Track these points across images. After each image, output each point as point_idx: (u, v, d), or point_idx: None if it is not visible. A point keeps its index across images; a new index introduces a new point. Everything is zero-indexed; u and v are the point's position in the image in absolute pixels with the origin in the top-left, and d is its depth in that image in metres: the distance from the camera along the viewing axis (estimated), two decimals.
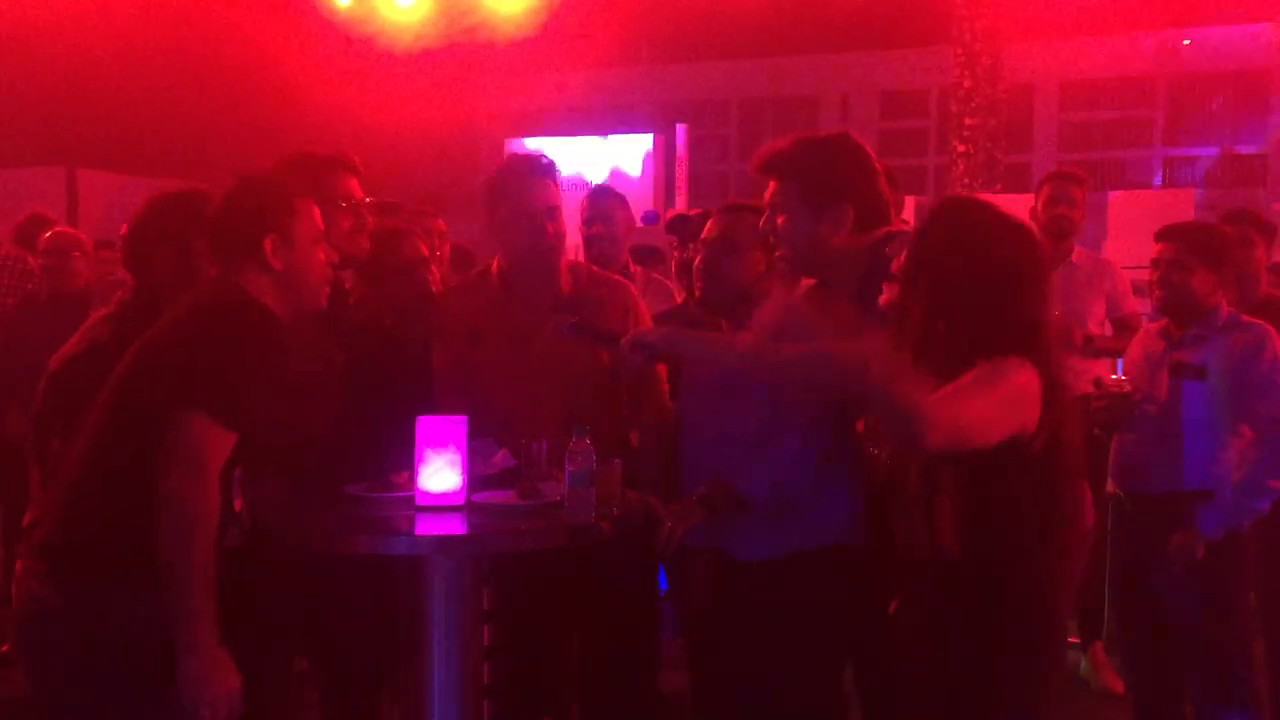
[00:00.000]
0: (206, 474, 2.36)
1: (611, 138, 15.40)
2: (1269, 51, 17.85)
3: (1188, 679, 3.88)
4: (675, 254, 5.11)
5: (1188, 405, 3.78)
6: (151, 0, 12.59)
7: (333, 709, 3.41)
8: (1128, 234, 9.91)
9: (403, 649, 2.96)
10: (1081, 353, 4.85)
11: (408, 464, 2.93)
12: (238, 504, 2.59)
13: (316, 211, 2.73)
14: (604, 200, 5.10)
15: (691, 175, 15.06)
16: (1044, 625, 2.57)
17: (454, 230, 5.38)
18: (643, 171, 14.55)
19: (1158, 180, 19.02)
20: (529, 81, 20.13)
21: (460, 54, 12.66)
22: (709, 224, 3.20)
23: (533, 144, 13.26)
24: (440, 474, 2.87)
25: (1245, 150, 19.06)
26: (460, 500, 2.89)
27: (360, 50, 10.74)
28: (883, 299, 2.62)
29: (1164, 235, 3.93)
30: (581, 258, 4.67)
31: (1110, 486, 3.98)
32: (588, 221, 5.05)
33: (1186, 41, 18.49)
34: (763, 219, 3.06)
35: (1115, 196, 11.65)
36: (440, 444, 2.87)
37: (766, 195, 3.06)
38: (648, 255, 5.91)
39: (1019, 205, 4.59)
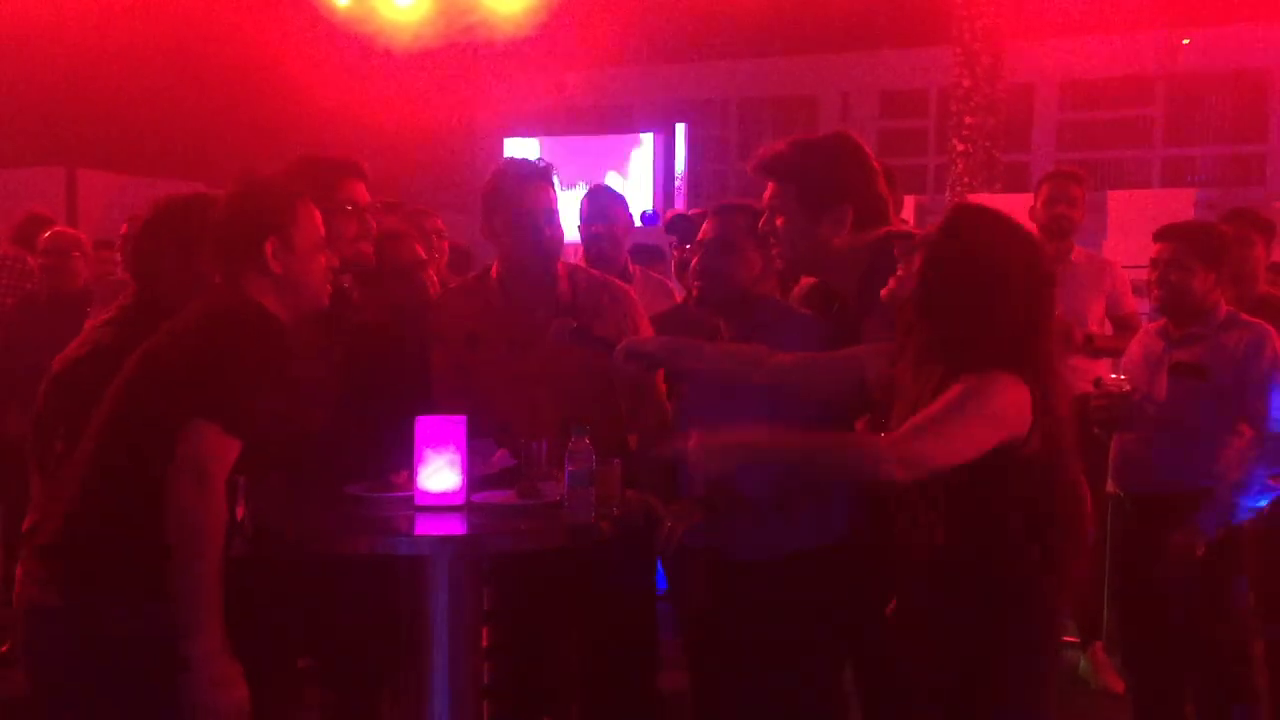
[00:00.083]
0: (213, 484, 2.36)
1: (611, 137, 15.39)
2: (1269, 51, 17.85)
3: (1188, 679, 3.88)
4: (675, 253, 5.11)
5: (1187, 404, 3.78)
6: (151, 0, 12.59)
7: (333, 709, 3.41)
8: (1127, 233, 9.90)
9: (403, 649, 2.96)
10: (1081, 352, 4.85)
11: (407, 464, 2.93)
12: (239, 512, 2.59)
13: (318, 215, 2.72)
14: (603, 200, 5.10)
15: (691, 175, 15.07)
16: (1042, 625, 2.57)
17: (452, 229, 5.38)
18: (642, 171, 14.55)
19: (1157, 180, 19.01)
20: (528, 81, 20.13)
21: (459, 53, 12.67)
22: (705, 224, 3.20)
23: (532, 143, 13.27)
24: (440, 474, 2.87)
25: (1244, 150, 19.07)
26: (460, 500, 2.89)
27: (359, 50, 10.74)
28: (884, 291, 2.61)
29: (1163, 235, 3.93)
30: (581, 257, 4.67)
31: (1110, 486, 3.98)
32: (587, 221, 5.05)
33: (1186, 41, 18.48)
34: (762, 220, 3.05)
35: (1114, 196, 11.64)
36: (439, 444, 2.87)
37: (765, 196, 3.05)
38: (647, 254, 5.91)
39: (1018, 205, 4.59)
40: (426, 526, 2.81)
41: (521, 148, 11.49)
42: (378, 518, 2.91)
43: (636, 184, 14.08)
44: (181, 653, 2.33)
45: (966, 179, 10.01)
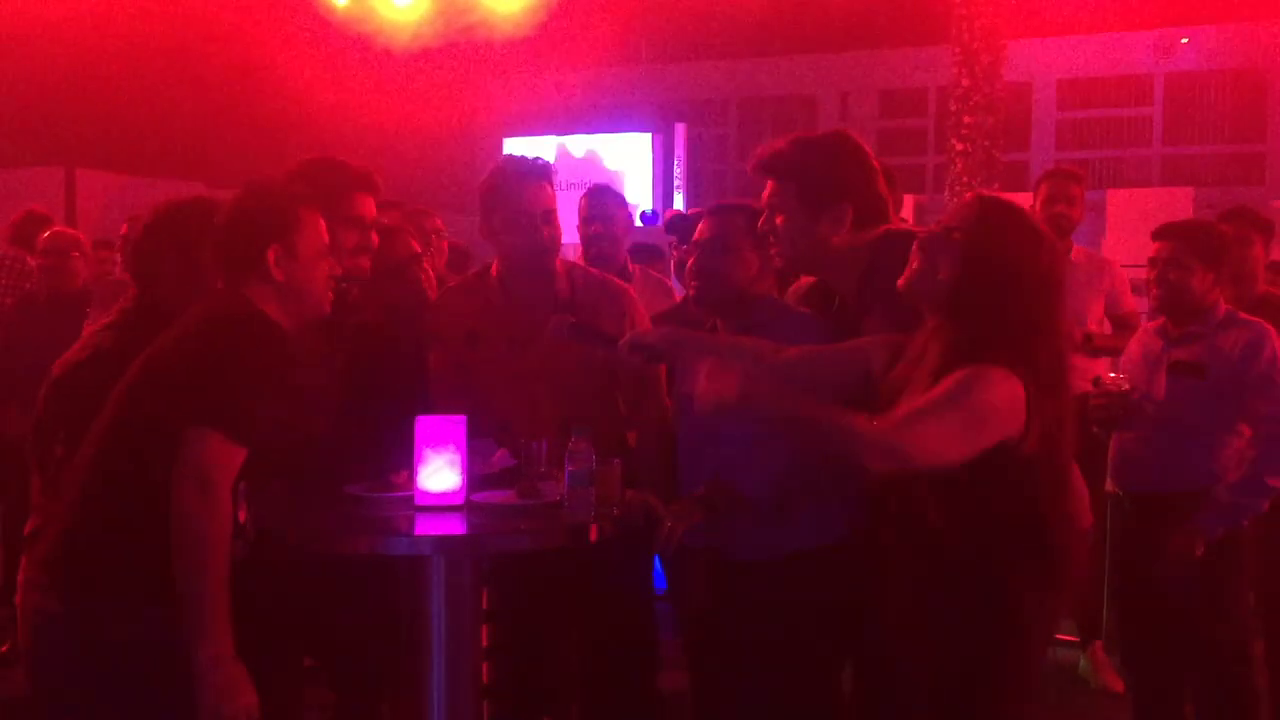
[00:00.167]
0: (218, 491, 2.36)
1: (610, 137, 15.39)
2: (1267, 51, 17.86)
3: (1187, 678, 3.88)
4: (675, 253, 5.11)
5: (1186, 404, 3.78)
6: (151, 1, 12.58)
7: (333, 709, 3.41)
8: (1126, 232, 9.92)
9: (403, 649, 2.96)
10: (1080, 351, 4.85)
11: (407, 464, 2.93)
12: (241, 516, 2.59)
13: (322, 223, 2.72)
14: (603, 199, 5.10)
15: (690, 174, 15.08)
16: (1038, 626, 2.56)
17: (452, 229, 5.39)
18: (641, 171, 14.55)
19: (1156, 179, 19.02)
20: (527, 81, 20.13)
21: (458, 53, 12.66)
22: (701, 225, 3.19)
23: (531, 143, 13.26)
24: (439, 474, 2.87)
25: (1243, 149, 19.07)
26: (460, 500, 2.89)
27: (359, 50, 10.73)
28: (901, 281, 2.60)
29: (1161, 234, 3.93)
30: (580, 257, 4.67)
31: (1109, 485, 3.98)
32: (586, 221, 5.05)
33: (1185, 40, 18.49)
34: (761, 219, 3.05)
35: (1113, 195, 11.67)
36: (439, 444, 2.87)
37: (764, 195, 3.05)
38: (647, 253, 5.91)
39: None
40: (426, 526, 2.81)
41: (524, 147, 11.48)
42: (378, 518, 2.90)
43: (636, 184, 14.08)
44: (190, 659, 2.33)
45: (965, 178, 10.00)
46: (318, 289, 2.68)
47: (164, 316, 2.66)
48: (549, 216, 3.42)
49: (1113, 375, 3.93)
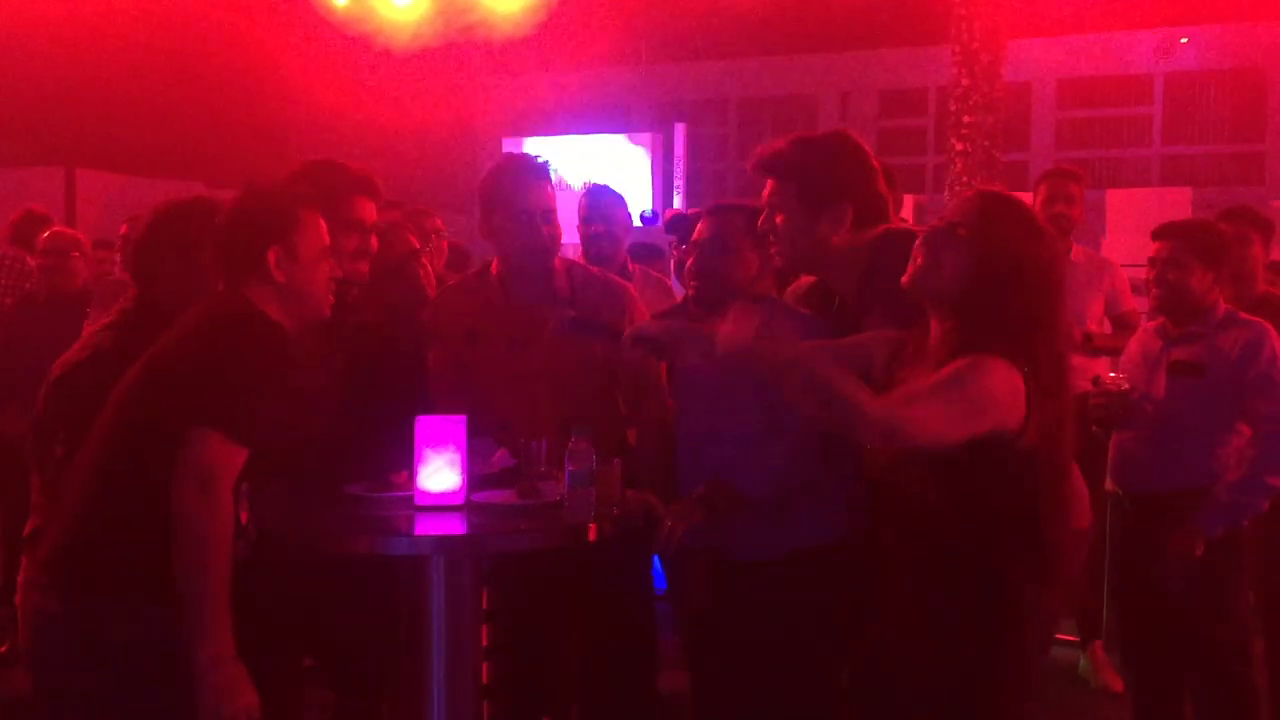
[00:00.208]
0: (220, 491, 2.36)
1: (610, 137, 15.40)
2: (1267, 50, 17.86)
3: (1187, 678, 3.88)
4: (675, 253, 5.11)
5: (1186, 403, 3.78)
6: (151, 1, 12.58)
7: (333, 709, 3.41)
8: (1126, 232, 9.92)
9: (403, 649, 2.96)
10: (1080, 351, 4.85)
11: (407, 464, 2.93)
12: (243, 517, 2.59)
13: (323, 224, 2.72)
14: (602, 199, 5.10)
15: (690, 174, 15.08)
16: (1034, 621, 2.54)
17: (452, 229, 5.39)
18: (641, 170, 14.56)
19: (1155, 178, 19.02)
20: (527, 81, 20.13)
21: (458, 53, 12.66)
22: (700, 225, 3.20)
23: (531, 143, 13.27)
24: (439, 474, 2.87)
25: (1242, 148, 19.08)
26: (459, 500, 2.89)
27: (358, 50, 10.73)
28: (905, 279, 2.59)
29: (1161, 233, 3.93)
30: (580, 257, 4.67)
31: (1109, 485, 3.98)
32: (586, 221, 5.05)
33: (1184, 40, 18.49)
34: (761, 218, 3.05)
35: (1113, 194, 11.66)
36: (439, 443, 2.87)
37: (764, 194, 3.05)
38: (646, 253, 5.91)
39: None
40: (426, 526, 2.81)
41: (523, 148, 11.48)
42: (378, 518, 2.90)
43: (636, 183, 14.08)
44: (190, 659, 2.33)
45: (965, 178, 9.99)
46: (318, 290, 2.69)
47: (164, 317, 2.66)
48: (549, 215, 3.42)
49: (1112, 375, 3.94)
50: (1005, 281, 2.45)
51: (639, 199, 13.17)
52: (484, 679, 2.97)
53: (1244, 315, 3.83)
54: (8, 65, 13.02)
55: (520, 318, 3.42)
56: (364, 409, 3.17)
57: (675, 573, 3.52)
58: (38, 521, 2.75)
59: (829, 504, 2.98)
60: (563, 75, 20.32)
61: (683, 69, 21.21)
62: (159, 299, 2.84)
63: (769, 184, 3.03)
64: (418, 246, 3.71)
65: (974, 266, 2.47)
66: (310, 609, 3.15)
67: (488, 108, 20.54)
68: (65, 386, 2.78)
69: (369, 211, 3.24)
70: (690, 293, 3.20)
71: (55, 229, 5.87)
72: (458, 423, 2.89)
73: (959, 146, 10.14)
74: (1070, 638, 5.03)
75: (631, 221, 5.35)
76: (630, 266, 4.97)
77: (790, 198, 2.98)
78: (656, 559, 3.85)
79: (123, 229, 5.76)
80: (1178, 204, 10.35)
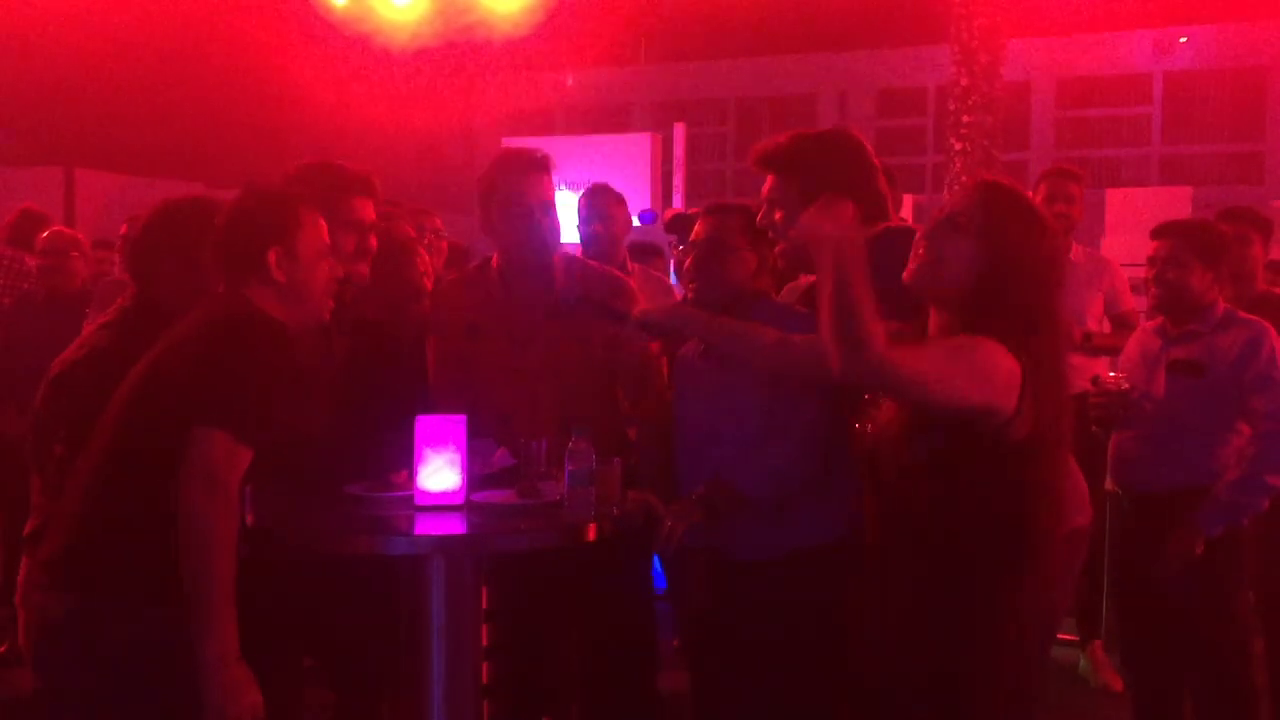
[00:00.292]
0: (226, 491, 2.36)
1: (609, 137, 15.39)
2: (1266, 49, 17.86)
3: (1187, 677, 3.88)
4: (675, 252, 5.12)
5: (1185, 402, 3.78)
6: (150, 1, 12.58)
7: (333, 709, 3.41)
8: (1125, 231, 9.91)
9: (403, 649, 2.96)
10: (1079, 350, 4.85)
11: (407, 463, 2.93)
12: (248, 518, 2.59)
13: (323, 224, 2.72)
14: (602, 199, 5.11)
15: (689, 174, 15.05)
16: (1022, 615, 2.51)
17: (452, 229, 5.39)
18: (640, 170, 14.54)
19: (1155, 178, 19.03)
20: (526, 81, 20.13)
21: (457, 53, 12.66)
22: (698, 225, 3.19)
23: (531, 143, 13.24)
24: (439, 473, 2.87)
25: (1242, 148, 19.08)
26: (459, 500, 2.89)
27: (358, 50, 10.74)
28: (906, 275, 2.57)
29: (1160, 232, 3.92)
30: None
31: (1108, 484, 3.98)
32: (585, 221, 5.06)
33: (1183, 39, 18.50)
34: (760, 214, 3.05)
35: (1112, 194, 11.65)
36: (439, 443, 2.87)
37: (764, 190, 3.05)
38: (645, 252, 5.92)
39: None
40: (426, 526, 2.81)
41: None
42: (378, 517, 2.90)
43: (635, 183, 14.07)
44: (195, 658, 2.33)
45: (964, 177, 9.99)
46: (318, 290, 2.69)
47: (163, 316, 2.67)
48: (548, 208, 3.41)
49: (1112, 374, 3.93)
50: (1006, 274, 2.44)
51: (638, 198, 13.15)
52: (484, 679, 2.97)
53: (1243, 314, 3.83)
54: (8, 65, 13.02)
55: (520, 314, 3.42)
56: (364, 407, 3.17)
57: (675, 573, 3.52)
58: (37, 521, 2.75)
59: (829, 504, 2.97)
60: (561, 75, 20.31)
61: (682, 69, 21.21)
62: (157, 298, 2.84)
63: (769, 179, 3.03)
64: (413, 234, 3.69)
65: (976, 259, 2.45)
66: (310, 609, 3.15)
67: (488, 108, 20.54)
68: (64, 386, 2.78)
69: (367, 211, 3.23)
70: (689, 293, 3.20)
71: (54, 229, 5.87)
72: (458, 422, 2.89)
73: (958, 146, 10.15)
74: (1070, 637, 5.03)
75: (631, 221, 5.35)
76: (630, 266, 4.97)
77: (790, 193, 2.97)
78: (656, 559, 3.85)
79: (122, 229, 5.76)
80: (1177, 203, 10.34)
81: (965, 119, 10.08)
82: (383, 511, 2.93)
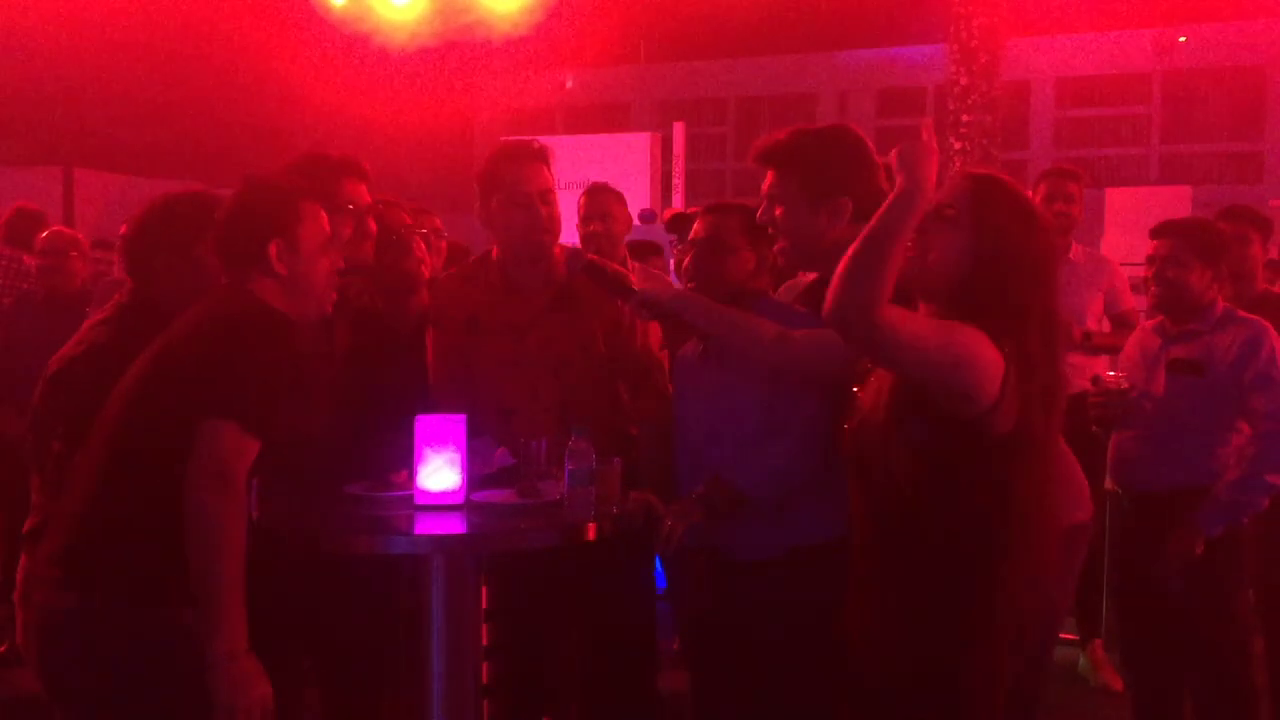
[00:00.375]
0: (235, 485, 2.36)
1: (609, 136, 15.39)
2: (1265, 48, 17.87)
3: (1187, 677, 3.88)
4: (675, 252, 5.12)
5: (1185, 402, 3.77)
6: (150, 1, 12.58)
7: (333, 708, 3.40)
8: (1124, 231, 9.92)
9: (403, 649, 2.96)
10: (1079, 349, 4.85)
11: (407, 463, 2.93)
12: (254, 512, 2.59)
13: (324, 217, 2.72)
14: (601, 198, 5.11)
15: (688, 173, 15.07)
16: (1001, 611, 2.44)
17: (452, 229, 5.38)
18: (640, 170, 14.54)
19: (1154, 177, 19.03)
20: (526, 80, 20.14)
21: (457, 53, 12.66)
22: (697, 224, 3.19)
23: None
24: (439, 473, 2.87)
25: (1241, 147, 19.09)
26: (459, 499, 2.89)
27: (358, 50, 10.74)
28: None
29: (1159, 231, 3.92)
30: None
31: (1108, 484, 3.98)
32: (585, 219, 5.05)
33: (1183, 39, 18.50)
34: (760, 210, 3.05)
35: (1112, 193, 11.66)
36: (439, 443, 2.87)
37: (764, 186, 3.05)
38: (644, 250, 5.92)
39: None
40: (426, 526, 2.81)
41: None
42: (378, 517, 2.90)
43: (634, 182, 14.07)
44: (204, 652, 2.33)
45: None
46: (320, 283, 2.68)
47: (160, 312, 2.66)
48: (547, 196, 3.40)
49: (1111, 374, 3.93)
50: (995, 265, 2.39)
51: (637, 198, 13.15)
52: (484, 678, 2.96)
53: (1242, 313, 3.83)
54: (7, 65, 13.02)
55: (520, 308, 3.42)
56: (365, 404, 3.17)
57: (675, 573, 3.52)
58: (36, 521, 2.75)
59: (829, 503, 2.96)
60: (561, 74, 20.32)
61: (680, 68, 21.23)
62: (155, 294, 2.84)
63: (769, 176, 3.03)
64: (409, 222, 3.68)
65: (963, 250, 2.41)
66: (310, 609, 3.15)
67: (486, 107, 20.55)
68: (62, 382, 2.78)
69: (360, 193, 3.23)
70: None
71: (54, 229, 5.86)
72: (458, 422, 2.89)
73: (957, 145, 10.16)
74: (1070, 636, 5.03)
75: (631, 220, 5.35)
76: (629, 264, 4.97)
77: (790, 189, 2.97)
78: (657, 559, 3.85)
79: (122, 229, 5.73)
80: (1177, 202, 10.36)
81: (964, 118, 10.09)
82: (383, 511, 2.92)
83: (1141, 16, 17.55)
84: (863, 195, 2.97)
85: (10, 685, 4.83)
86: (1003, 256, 2.40)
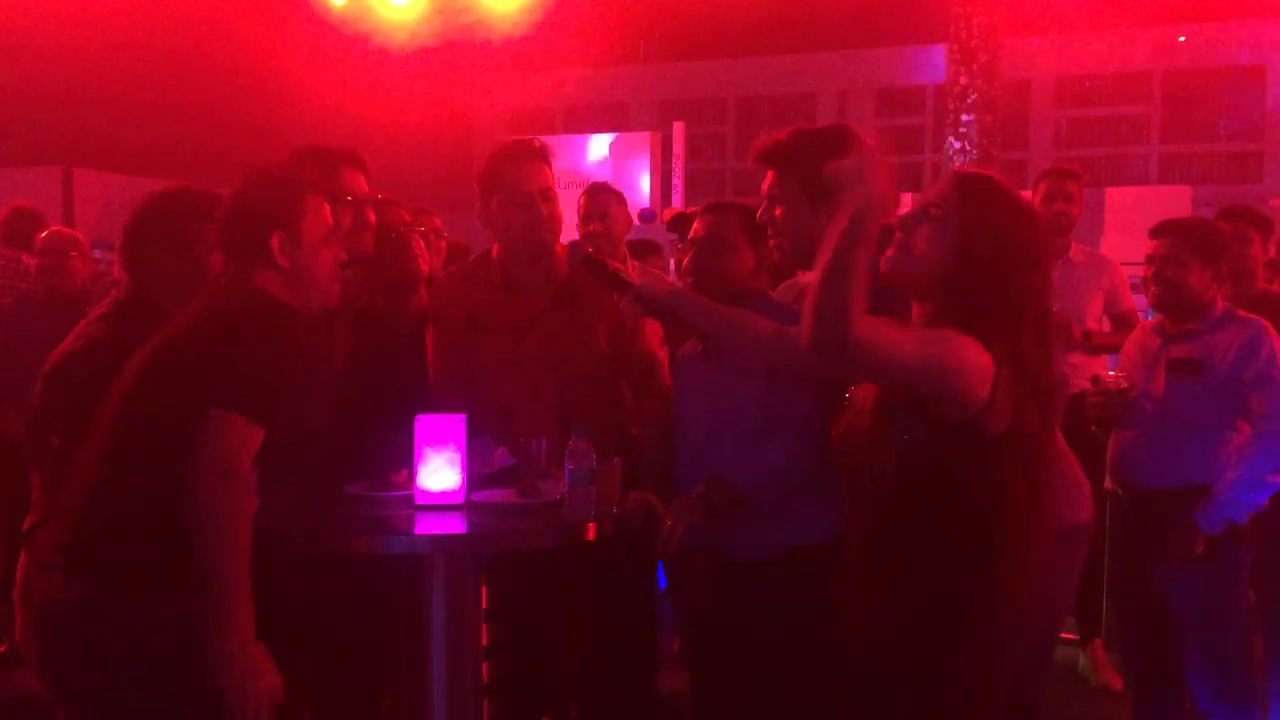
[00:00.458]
0: (239, 475, 2.36)
1: (609, 136, 15.38)
2: (1265, 48, 17.87)
3: (1187, 676, 3.88)
4: (675, 251, 5.12)
5: (1184, 401, 3.77)
6: (150, 1, 12.58)
7: (332, 708, 3.40)
8: (1125, 230, 9.91)
9: (403, 649, 2.95)
10: (1079, 349, 4.85)
11: (407, 463, 2.93)
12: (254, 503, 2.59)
13: (327, 209, 2.72)
14: (601, 198, 5.11)
15: (688, 173, 15.06)
16: (997, 611, 2.44)
17: (452, 229, 5.38)
18: (640, 169, 14.54)
19: (1154, 176, 19.03)
20: (526, 80, 20.13)
21: (457, 52, 12.66)
22: (696, 223, 3.20)
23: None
24: (439, 473, 2.87)
25: (1241, 147, 19.08)
26: (460, 499, 2.89)
27: (358, 49, 10.74)
28: (883, 262, 2.53)
29: (1159, 231, 3.92)
30: None
31: (1108, 483, 3.98)
32: (585, 219, 5.06)
33: (1182, 38, 18.49)
34: (760, 210, 3.05)
35: (1112, 193, 11.65)
36: (439, 443, 2.87)
37: (764, 186, 3.05)
38: (643, 249, 5.91)
39: None
40: (426, 526, 2.81)
41: None
42: (378, 517, 2.90)
43: (634, 182, 14.08)
44: (211, 641, 2.33)
45: None
46: (323, 276, 2.68)
47: (157, 307, 2.66)
48: (547, 195, 3.40)
49: (1111, 373, 3.93)
50: (985, 264, 2.38)
51: (637, 197, 13.15)
52: (484, 678, 2.97)
53: (1242, 313, 3.83)
54: (7, 65, 13.01)
55: (521, 307, 3.42)
56: (365, 402, 3.17)
57: (675, 573, 3.52)
58: (36, 519, 2.74)
59: (829, 502, 2.96)
60: (561, 74, 20.32)
61: (680, 67, 21.21)
62: (151, 289, 2.84)
63: (769, 175, 3.03)
64: (407, 220, 3.69)
65: (949, 248, 2.41)
66: (310, 609, 3.15)
67: (486, 106, 20.55)
68: (60, 378, 2.78)
69: (359, 183, 3.24)
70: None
71: (54, 229, 5.86)
72: (458, 422, 2.90)
73: (957, 145, 10.15)
74: (1070, 636, 5.03)
75: (631, 220, 5.35)
76: (629, 263, 4.96)
77: (791, 189, 2.98)
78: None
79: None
80: (1177, 202, 10.35)
81: (964, 118, 10.09)
82: (383, 511, 2.93)
83: (1141, 16, 17.54)
84: None
85: (10, 685, 4.83)
86: (992, 255, 2.39)
